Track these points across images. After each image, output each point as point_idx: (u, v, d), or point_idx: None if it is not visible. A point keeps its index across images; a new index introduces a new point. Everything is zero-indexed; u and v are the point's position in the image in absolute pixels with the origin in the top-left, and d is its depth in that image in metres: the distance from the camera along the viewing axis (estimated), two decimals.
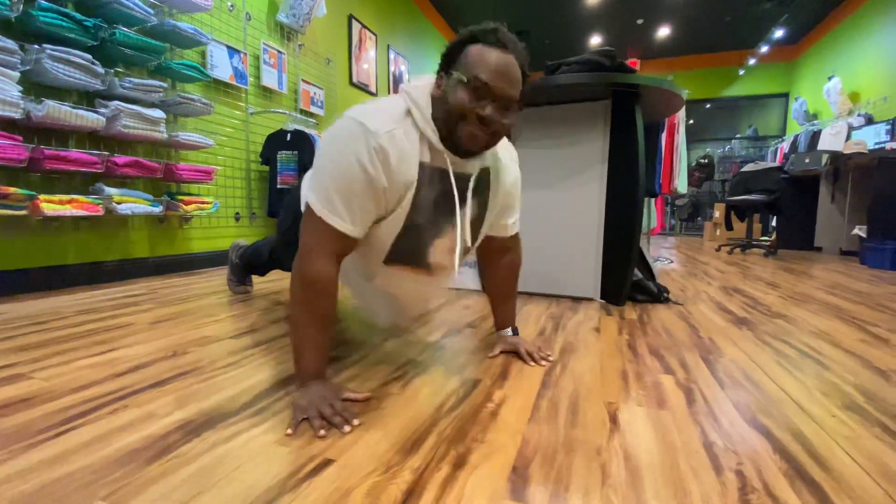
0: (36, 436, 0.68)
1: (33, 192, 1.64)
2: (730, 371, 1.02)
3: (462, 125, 0.78)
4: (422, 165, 0.81)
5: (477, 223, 0.95)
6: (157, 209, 2.09)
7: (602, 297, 1.79)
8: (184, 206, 2.22)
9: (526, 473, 0.60)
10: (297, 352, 0.80)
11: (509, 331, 1.13)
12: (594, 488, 0.57)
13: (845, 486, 0.59)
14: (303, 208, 0.82)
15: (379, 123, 0.76)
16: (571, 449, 0.67)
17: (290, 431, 0.69)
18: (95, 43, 1.80)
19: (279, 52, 3.04)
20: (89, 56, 1.75)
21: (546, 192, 1.86)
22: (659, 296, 1.75)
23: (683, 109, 3.17)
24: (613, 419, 0.77)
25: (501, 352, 1.10)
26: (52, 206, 1.70)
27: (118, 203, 1.92)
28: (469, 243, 0.92)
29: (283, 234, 1.17)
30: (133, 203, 1.98)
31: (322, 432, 0.69)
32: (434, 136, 0.80)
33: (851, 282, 2.43)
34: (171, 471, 0.59)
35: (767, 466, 0.63)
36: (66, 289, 1.89)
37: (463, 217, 0.88)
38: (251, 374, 0.94)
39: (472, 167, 0.87)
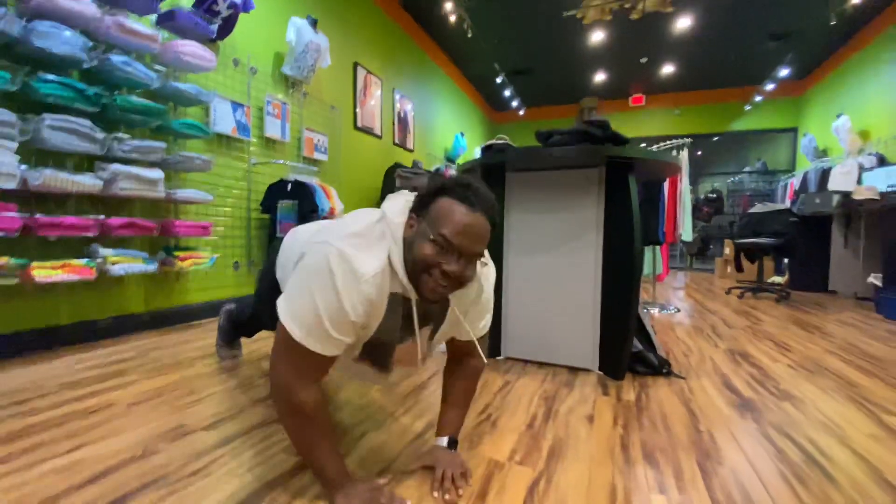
0: None
1: (25, 261, 1.65)
2: (727, 488, 0.94)
3: (425, 277, 0.78)
4: (391, 294, 0.82)
5: (433, 334, 0.95)
6: (153, 267, 2.10)
7: (600, 369, 1.72)
8: (179, 262, 2.22)
9: None
10: (316, 466, 0.83)
11: (445, 441, 0.98)
12: None
13: None
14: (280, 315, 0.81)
15: (367, 266, 0.76)
16: None
17: None
18: (97, 110, 1.84)
19: (283, 103, 3.10)
20: (89, 123, 1.79)
21: (542, 258, 1.82)
22: (660, 369, 1.67)
23: (686, 158, 3.14)
24: None
25: (421, 466, 0.98)
26: (45, 272, 1.70)
27: (113, 264, 1.92)
28: (427, 350, 0.96)
29: (258, 294, 1.38)
30: (128, 263, 1.99)
31: None
32: (405, 280, 0.80)
33: (866, 342, 2.33)
34: None
35: None
36: (59, 349, 1.88)
37: (422, 336, 0.91)
38: (216, 487, 0.89)
39: None
